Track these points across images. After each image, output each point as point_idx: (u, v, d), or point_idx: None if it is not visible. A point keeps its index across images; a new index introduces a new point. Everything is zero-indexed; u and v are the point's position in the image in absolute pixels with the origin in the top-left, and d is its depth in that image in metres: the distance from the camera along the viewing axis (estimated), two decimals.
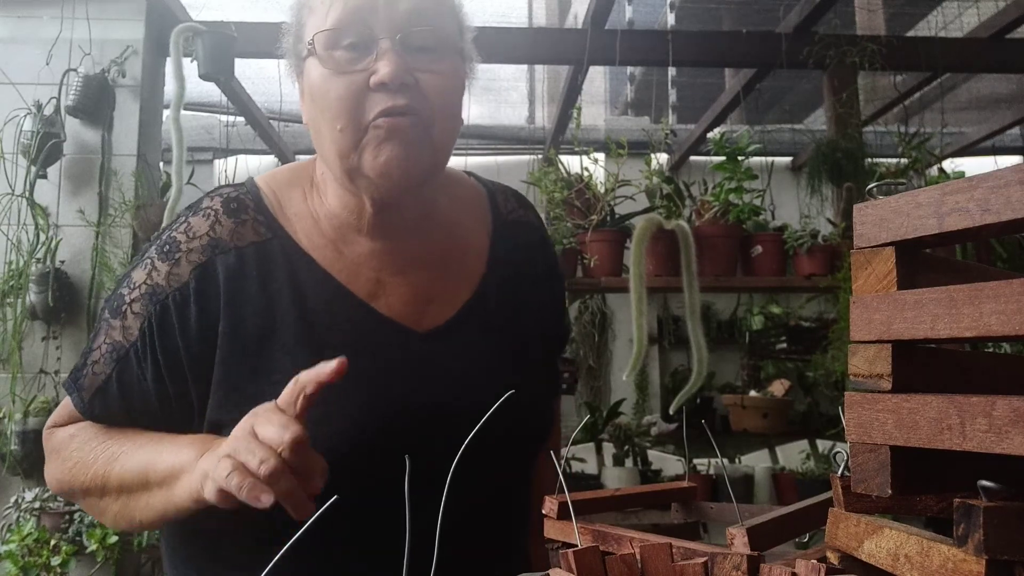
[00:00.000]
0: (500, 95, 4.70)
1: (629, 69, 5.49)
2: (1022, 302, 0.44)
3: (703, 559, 0.54)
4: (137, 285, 0.86)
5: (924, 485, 0.53)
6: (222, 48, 2.96)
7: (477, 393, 0.78)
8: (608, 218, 3.02)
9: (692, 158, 4.99)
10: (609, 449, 3.86)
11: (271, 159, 4.95)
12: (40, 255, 2.88)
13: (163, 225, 2.76)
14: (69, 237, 2.97)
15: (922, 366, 0.52)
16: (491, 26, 3.51)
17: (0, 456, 2.76)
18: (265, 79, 3.97)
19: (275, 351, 0.84)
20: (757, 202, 3.10)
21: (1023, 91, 4.52)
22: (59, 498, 2.68)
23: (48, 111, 2.90)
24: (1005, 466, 0.46)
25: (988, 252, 2.95)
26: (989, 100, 4.67)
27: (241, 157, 4.70)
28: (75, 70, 2.96)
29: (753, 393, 4.40)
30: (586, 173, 3.13)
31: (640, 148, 3.43)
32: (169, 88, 3.17)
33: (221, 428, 0.81)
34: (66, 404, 0.92)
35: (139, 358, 0.85)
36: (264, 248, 0.87)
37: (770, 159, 3.94)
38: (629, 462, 3.76)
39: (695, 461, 3.63)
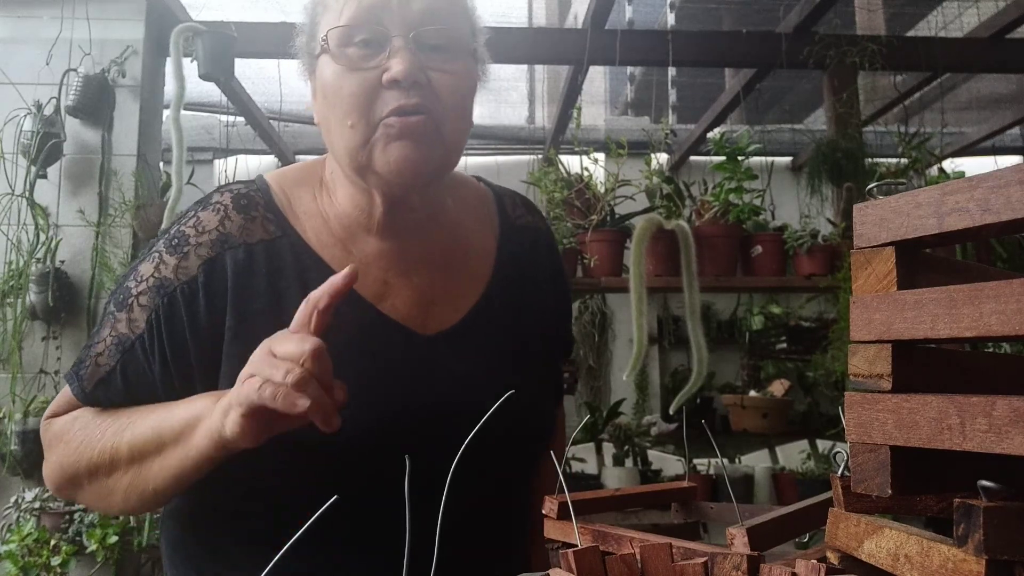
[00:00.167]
0: (500, 95, 4.70)
1: (629, 69, 5.49)
2: (1022, 302, 0.44)
3: (703, 559, 0.54)
4: (144, 278, 0.86)
5: (924, 485, 0.53)
6: (222, 48, 2.96)
7: (480, 397, 0.78)
8: (608, 218, 3.02)
9: (692, 158, 4.99)
10: (609, 449, 3.86)
11: (271, 159, 4.95)
12: (40, 255, 2.88)
13: (163, 225, 2.78)
14: (69, 237, 2.97)
15: (922, 366, 0.52)
16: (491, 26, 3.49)
17: (0, 456, 2.76)
18: (265, 79, 3.97)
19: None
20: (757, 202, 3.10)
21: (1023, 91, 4.52)
22: (59, 498, 2.68)
23: (48, 111, 2.90)
24: (1005, 466, 0.46)
25: (988, 252, 2.95)
26: (989, 100, 4.67)
27: (241, 157, 4.70)
28: (75, 70, 2.96)
29: (753, 393, 4.40)
30: (586, 173, 3.13)
31: (640, 148, 3.43)
32: (169, 88, 3.17)
33: None
34: (64, 394, 0.91)
35: (146, 351, 0.85)
36: (273, 246, 0.87)
37: (770, 159, 3.94)
38: (629, 462, 3.76)
39: (695, 461, 3.63)
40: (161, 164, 3.30)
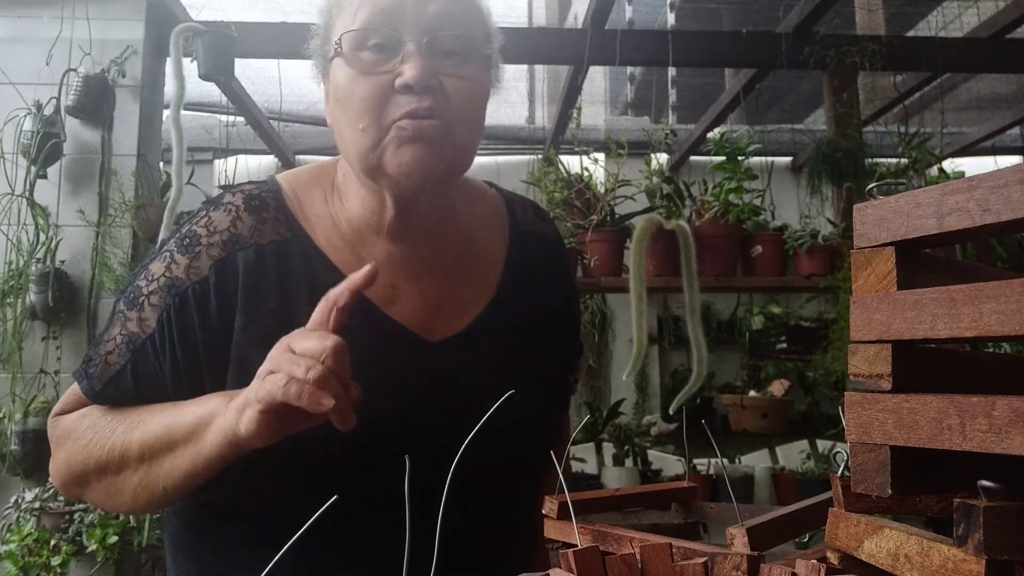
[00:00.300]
0: (500, 95, 4.63)
1: (629, 69, 5.49)
2: (1022, 302, 0.44)
3: (703, 559, 0.54)
4: (155, 277, 0.86)
5: (924, 485, 0.53)
6: (222, 48, 2.97)
7: (484, 404, 0.78)
8: (608, 218, 3.02)
9: (692, 158, 4.98)
10: (609, 449, 3.86)
11: (271, 159, 4.95)
12: (40, 255, 2.88)
13: (163, 225, 2.78)
14: (69, 237, 2.97)
15: (922, 366, 0.52)
16: None
17: (0, 456, 2.76)
18: (265, 79, 3.97)
19: None
20: (757, 202, 3.10)
21: (1023, 91, 4.52)
22: (59, 498, 2.68)
23: (48, 111, 2.90)
24: (1005, 466, 0.46)
25: (988, 252, 2.95)
26: (989, 100, 4.67)
27: (241, 157, 4.71)
28: (75, 70, 2.97)
29: (753, 393, 4.39)
30: (586, 173, 3.13)
31: (640, 148, 3.43)
32: (169, 88, 3.17)
33: None
34: (72, 392, 0.91)
35: (156, 350, 0.84)
36: (283, 247, 0.87)
37: (770, 159, 3.95)
38: (629, 462, 3.77)
39: (695, 461, 3.63)
40: (161, 164, 3.30)
